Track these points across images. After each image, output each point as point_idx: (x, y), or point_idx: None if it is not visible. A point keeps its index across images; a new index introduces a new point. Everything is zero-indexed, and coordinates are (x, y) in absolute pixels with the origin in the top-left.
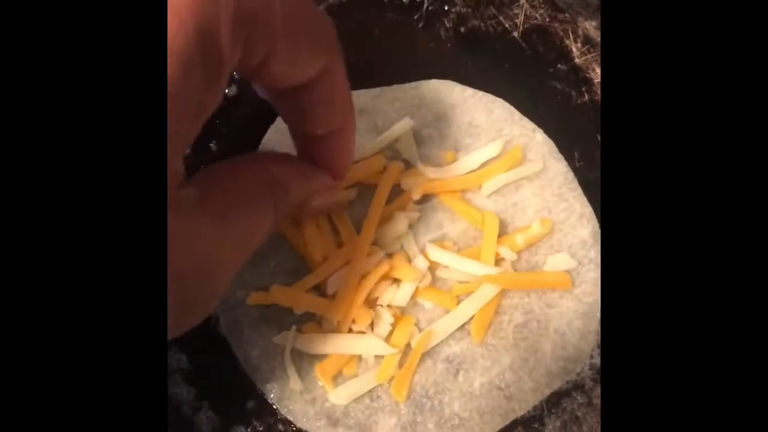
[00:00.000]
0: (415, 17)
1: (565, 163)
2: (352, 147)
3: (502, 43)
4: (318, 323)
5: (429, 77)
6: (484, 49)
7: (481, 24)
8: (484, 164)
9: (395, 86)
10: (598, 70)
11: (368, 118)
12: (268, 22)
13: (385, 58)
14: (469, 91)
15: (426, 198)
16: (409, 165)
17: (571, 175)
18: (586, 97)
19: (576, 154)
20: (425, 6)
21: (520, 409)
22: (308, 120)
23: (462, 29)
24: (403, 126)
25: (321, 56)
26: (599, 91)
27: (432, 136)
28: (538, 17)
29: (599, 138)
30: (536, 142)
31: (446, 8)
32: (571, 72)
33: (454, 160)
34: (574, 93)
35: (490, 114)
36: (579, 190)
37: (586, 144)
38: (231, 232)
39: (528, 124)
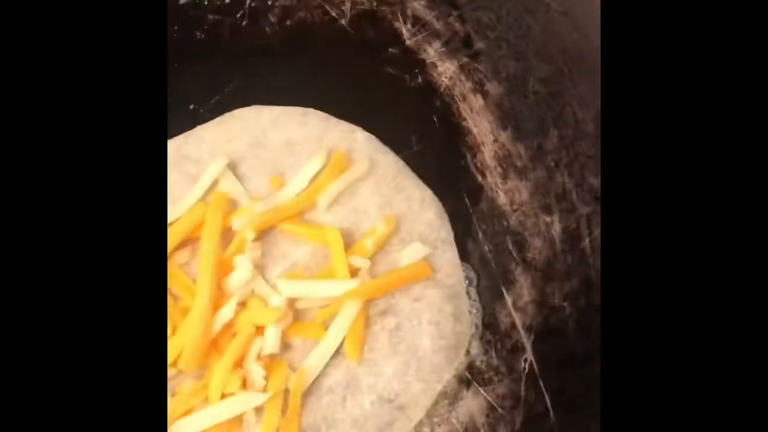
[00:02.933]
0: (238, 15)
1: (392, 154)
2: None
3: (330, 33)
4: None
5: (257, 75)
6: (313, 40)
7: (307, 15)
8: (313, 179)
9: (198, 127)
10: (430, 50)
11: (179, 170)
12: None
13: (211, 62)
14: (277, 109)
15: (265, 232)
16: (239, 204)
17: (401, 163)
18: (420, 79)
19: (413, 138)
20: (248, 3)
21: (417, 415)
22: None
23: (288, 22)
24: (216, 168)
25: None
26: (432, 72)
27: (252, 166)
28: (365, 2)
29: (435, 119)
30: (359, 142)
31: (269, 2)
32: (403, 55)
33: (283, 184)
34: (407, 76)
35: (305, 127)
36: (414, 177)
37: (424, 127)
38: None
39: (346, 126)
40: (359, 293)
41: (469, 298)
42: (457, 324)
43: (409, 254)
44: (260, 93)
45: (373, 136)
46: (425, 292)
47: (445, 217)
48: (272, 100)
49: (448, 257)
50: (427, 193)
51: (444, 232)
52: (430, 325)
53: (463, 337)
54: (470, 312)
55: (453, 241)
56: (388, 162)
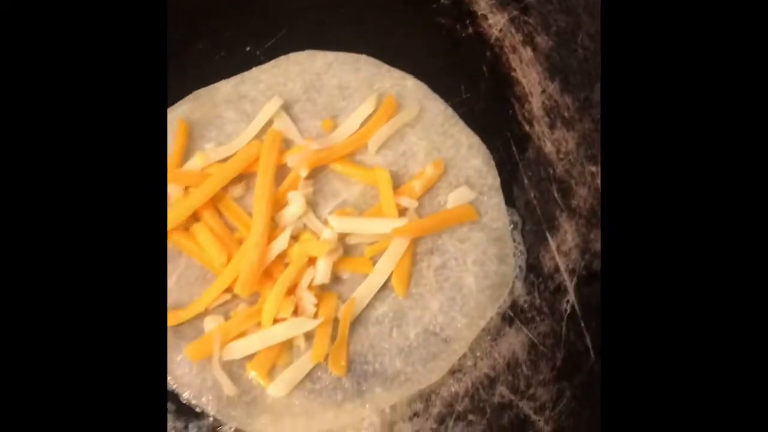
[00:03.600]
0: None
1: (441, 101)
2: None
3: None
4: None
5: (311, 21)
6: None
7: None
8: (364, 123)
9: (254, 69)
10: (481, 2)
11: (236, 108)
12: None
13: (267, 6)
14: (331, 55)
15: (317, 171)
16: (291, 143)
17: (450, 111)
18: (470, 29)
19: (463, 86)
20: None
21: (461, 348)
22: None
23: None
24: (272, 106)
25: None
26: (483, 23)
27: (306, 108)
28: None
29: (484, 69)
30: (409, 88)
31: None
32: (454, 6)
33: (335, 127)
34: (458, 27)
35: (358, 72)
36: (461, 124)
37: (473, 76)
38: None
39: (397, 73)
40: (407, 231)
41: (514, 241)
42: (502, 265)
43: (456, 197)
44: (314, 38)
45: (422, 84)
46: (471, 234)
47: (492, 163)
48: (325, 45)
49: (494, 202)
50: (475, 140)
51: (491, 178)
52: (474, 265)
53: (506, 278)
54: (514, 254)
55: (499, 186)
56: (437, 109)
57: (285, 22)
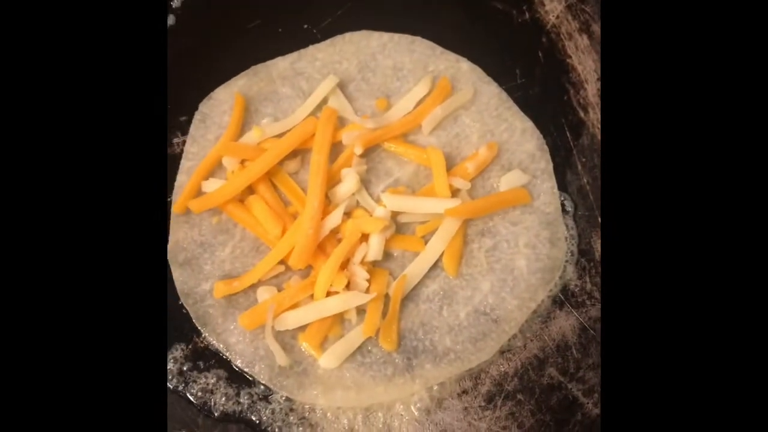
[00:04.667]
0: None
1: (495, 85)
2: None
3: None
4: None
5: (368, 2)
6: None
7: None
8: (418, 104)
9: (311, 47)
10: None
11: (292, 84)
12: None
13: None
14: (386, 36)
15: (371, 149)
16: (345, 121)
17: (504, 95)
18: (527, 15)
19: (518, 71)
20: None
21: (511, 329)
22: None
23: None
24: (328, 84)
25: None
26: (539, 9)
27: (360, 87)
28: None
29: (540, 55)
30: (463, 71)
31: None
32: None
33: (389, 107)
34: (515, 12)
35: (413, 54)
36: (515, 108)
37: (528, 61)
38: None
39: (451, 56)
40: (460, 212)
41: (566, 226)
42: (553, 249)
43: (509, 180)
44: (370, 19)
45: (477, 67)
46: (523, 217)
47: (546, 148)
48: (381, 26)
49: (547, 186)
50: (529, 125)
51: (544, 162)
52: (526, 248)
53: (558, 262)
54: (566, 239)
55: (552, 171)
56: (492, 92)
57: (342, 2)
